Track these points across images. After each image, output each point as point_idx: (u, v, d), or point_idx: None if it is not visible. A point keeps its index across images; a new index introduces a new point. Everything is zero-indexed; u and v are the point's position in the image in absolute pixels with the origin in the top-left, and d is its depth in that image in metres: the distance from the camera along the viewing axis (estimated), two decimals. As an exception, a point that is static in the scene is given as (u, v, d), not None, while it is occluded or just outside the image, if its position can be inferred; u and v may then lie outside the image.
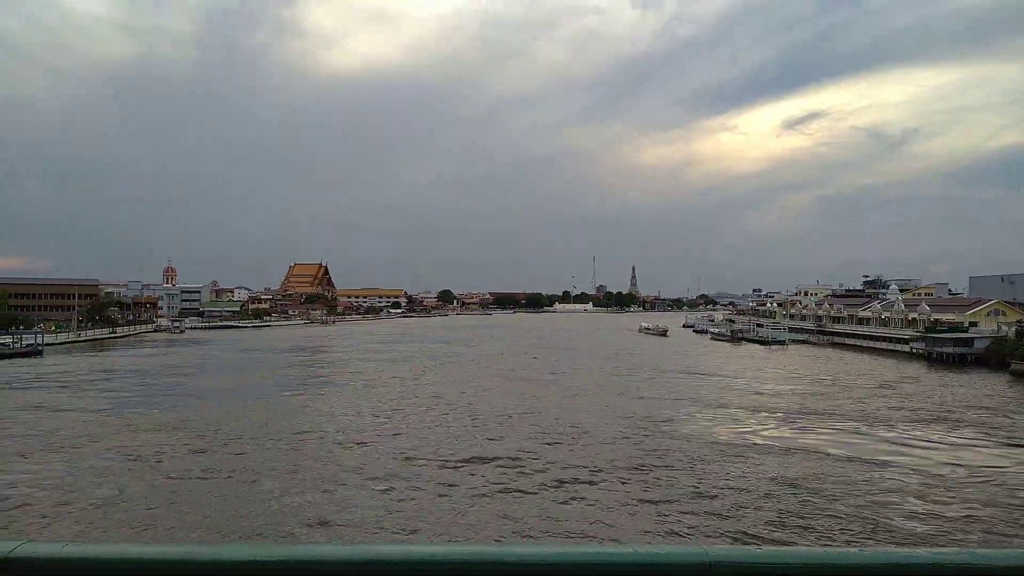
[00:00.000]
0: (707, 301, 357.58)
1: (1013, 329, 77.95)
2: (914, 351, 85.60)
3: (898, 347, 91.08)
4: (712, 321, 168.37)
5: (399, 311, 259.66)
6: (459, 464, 29.60)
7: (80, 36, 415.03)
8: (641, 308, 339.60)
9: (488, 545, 1.75)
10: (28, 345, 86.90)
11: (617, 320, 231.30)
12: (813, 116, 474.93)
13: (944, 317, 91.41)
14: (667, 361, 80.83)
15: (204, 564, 1.69)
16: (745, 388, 56.05)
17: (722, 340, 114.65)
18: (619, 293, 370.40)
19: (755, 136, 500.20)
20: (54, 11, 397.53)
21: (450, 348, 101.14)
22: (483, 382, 59.44)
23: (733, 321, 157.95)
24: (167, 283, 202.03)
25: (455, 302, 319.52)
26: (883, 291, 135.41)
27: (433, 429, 37.70)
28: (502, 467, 29.17)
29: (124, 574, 1.75)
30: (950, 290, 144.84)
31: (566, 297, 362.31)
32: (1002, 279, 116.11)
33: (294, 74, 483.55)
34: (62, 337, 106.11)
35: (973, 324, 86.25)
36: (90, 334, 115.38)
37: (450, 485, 26.26)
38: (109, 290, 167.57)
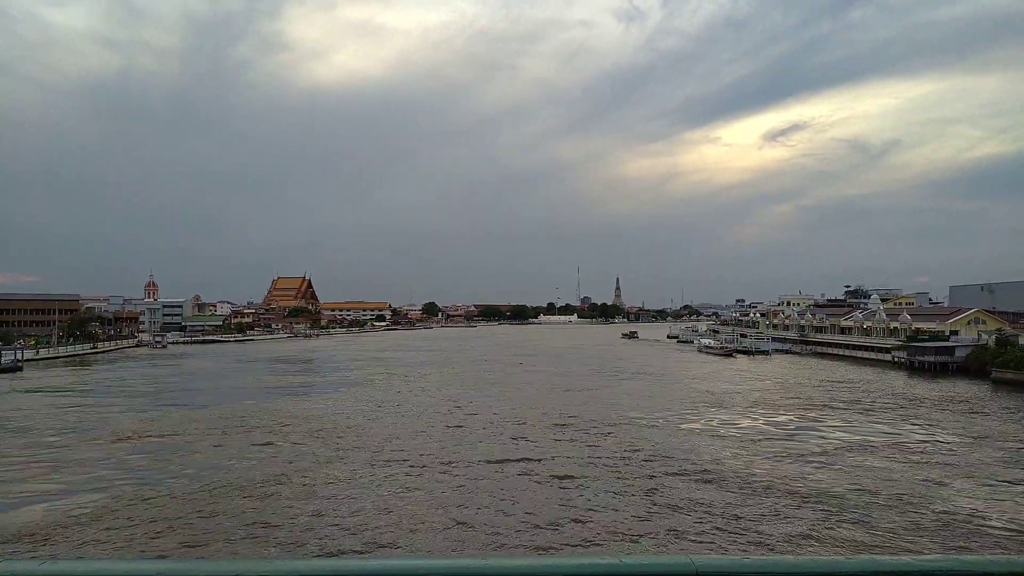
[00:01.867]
0: (691, 312, 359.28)
1: (993, 337, 78.79)
2: (896, 360, 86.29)
3: (880, 356, 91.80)
4: (696, 332, 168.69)
5: (384, 324, 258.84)
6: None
7: (60, 50, 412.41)
8: (625, 319, 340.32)
9: (472, 557, 1.76)
10: (8, 361, 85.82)
11: (602, 331, 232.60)
12: (795, 127, 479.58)
13: (925, 326, 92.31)
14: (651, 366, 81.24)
15: None
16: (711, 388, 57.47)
17: (712, 354, 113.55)
18: (603, 304, 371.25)
19: (738, 148, 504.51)
20: (34, 25, 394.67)
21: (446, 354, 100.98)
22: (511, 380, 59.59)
23: (717, 331, 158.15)
24: (149, 298, 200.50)
25: (440, 315, 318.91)
26: (864, 301, 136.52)
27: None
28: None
29: None
30: (931, 299, 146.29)
31: (551, 309, 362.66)
32: (982, 288, 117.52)
33: (278, 87, 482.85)
34: (43, 353, 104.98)
35: (954, 333, 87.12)
36: (71, 350, 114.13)
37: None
38: (90, 305, 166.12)
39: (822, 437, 39.88)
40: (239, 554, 20.83)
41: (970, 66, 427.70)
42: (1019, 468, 32.18)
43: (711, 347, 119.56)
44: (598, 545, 21.99)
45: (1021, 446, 37.58)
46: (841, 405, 53.07)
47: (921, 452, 35.91)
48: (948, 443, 38.37)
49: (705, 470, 31.21)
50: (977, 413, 49.35)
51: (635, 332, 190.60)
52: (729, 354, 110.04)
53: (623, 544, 21.89)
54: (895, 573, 1.70)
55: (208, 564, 1.71)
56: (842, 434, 40.84)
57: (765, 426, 44.00)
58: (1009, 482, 29.55)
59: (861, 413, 49.25)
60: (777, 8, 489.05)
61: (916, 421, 45.78)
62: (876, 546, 21.96)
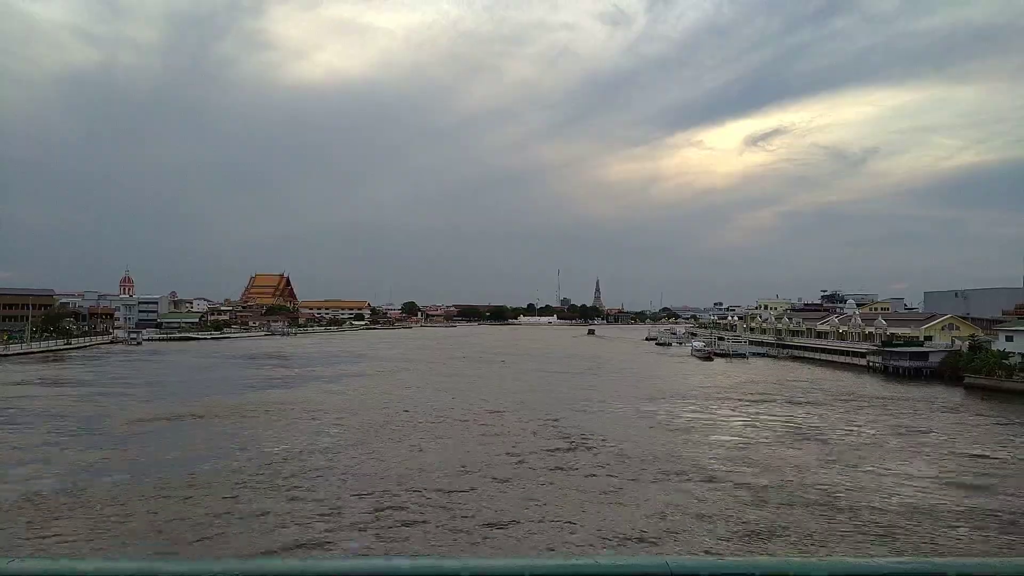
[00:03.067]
0: (670, 314, 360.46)
1: (966, 343, 79.84)
2: (871, 364, 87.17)
3: (855, 360, 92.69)
4: (675, 334, 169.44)
5: (362, 323, 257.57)
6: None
7: (41, 44, 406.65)
8: (605, 321, 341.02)
9: (449, 558, 1.77)
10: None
11: (580, 332, 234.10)
12: (776, 133, 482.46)
13: (900, 331, 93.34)
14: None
15: None
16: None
17: (696, 357, 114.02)
18: (583, 306, 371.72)
19: (720, 152, 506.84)
20: (13, 18, 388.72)
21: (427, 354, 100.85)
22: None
23: (695, 334, 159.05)
24: (124, 294, 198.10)
25: (419, 314, 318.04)
26: (841, 305, 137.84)
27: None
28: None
29: None
30: (906, 305, 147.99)
31: (530, 310, 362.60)
32: (956, 295, 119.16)
33: (261, 86, 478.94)
34: (14, 348, 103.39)
35: (928, 338, 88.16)
36: (44, 345, 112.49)
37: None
38: (64, 300, 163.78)
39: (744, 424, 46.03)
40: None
41: (948, 76, 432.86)
42: (905, 458, 35.67)
43: (698, 350, 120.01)
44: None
45: (927, 440, 41.23)
46: (789, 401, 57.94)
47: (832, 441, 40.16)
48: (866, 434, 42.63)
49: (604, 439, 38.88)
50: (913, 412, 52.69)
51: (593, 330, 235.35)
52: (708, 357, 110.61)
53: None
54: None
55: (186, 564, 1.69)
56: (768, 421, 47.04)
57: (698, 414, 49.76)
58: (883, 470, 32.81)
59: (796, 405, 54.86)
60: (760, 15, 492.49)
61: (846, 415, 50.03)
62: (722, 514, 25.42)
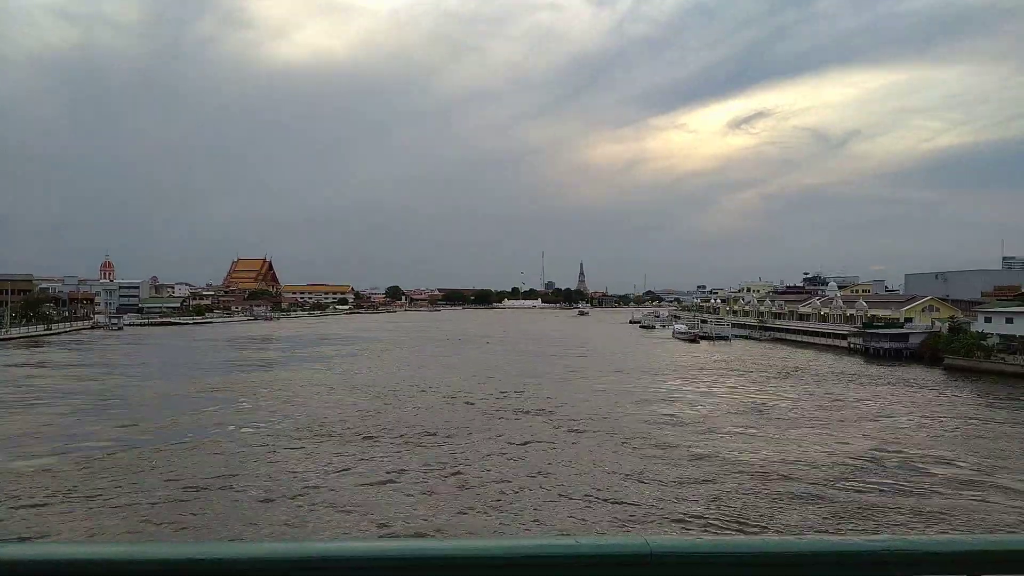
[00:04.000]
0: (653, 297, 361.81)
1: (946, 325, 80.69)
2: (852, 346, 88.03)
3: (836, 342, 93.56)
4: (659, 317, 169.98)
5: (346, 308, 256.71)
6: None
7: (15, 23, 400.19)
8: (589, 304, 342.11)
9: (430, 540, 1.79)
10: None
11: (565, 315, 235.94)
12: (758, 115, 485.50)
13: (881, 313, 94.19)
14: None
15: (148, 562, 1.61)
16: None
17: (680, 339, 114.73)
18: (567, 289, 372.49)
19: (704, 135, 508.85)
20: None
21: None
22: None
23: (678, 317, 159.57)
24: (105, 279, 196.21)
25: (404, 298, 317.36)
26: (822, 288, 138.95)
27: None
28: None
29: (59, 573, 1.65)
30: (887, 287, 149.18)
31: (515, 293, 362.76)
32: (936, 276, 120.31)
33: (240, 66, 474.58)
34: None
35: (908, 320, 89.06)
36: (23, 331, 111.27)
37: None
38: (44, 286, 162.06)
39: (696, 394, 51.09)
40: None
41: (930, 59, 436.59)
42: (828, 424, 39.65)
43: (681, 332, 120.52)
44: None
45: (858, 410, 44.75)
46: (755, 377, 62.41)
47: (767, 412, 43.86)
48: (801, 406, 46.23)
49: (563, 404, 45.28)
50: (864, 385, 57.40)
51: (586, 312, 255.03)
52: (693, 339, 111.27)
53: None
54: (846, 553, 1.74)
55: (191, 547, 1.65)
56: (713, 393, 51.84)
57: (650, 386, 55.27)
58: (788, 434, 36.54)
59: (755, 383, 58.06)
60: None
61: (800, 390, 53.99)
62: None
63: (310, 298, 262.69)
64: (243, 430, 36.27)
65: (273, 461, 29.85)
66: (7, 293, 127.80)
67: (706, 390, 53.19)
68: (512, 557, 1.69)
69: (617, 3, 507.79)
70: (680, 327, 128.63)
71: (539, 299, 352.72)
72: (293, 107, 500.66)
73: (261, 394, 49.20)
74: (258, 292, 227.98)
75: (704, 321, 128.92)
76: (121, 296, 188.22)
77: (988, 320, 72.99)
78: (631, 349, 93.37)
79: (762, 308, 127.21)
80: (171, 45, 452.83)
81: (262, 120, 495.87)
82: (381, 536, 20.72)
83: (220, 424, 38.02)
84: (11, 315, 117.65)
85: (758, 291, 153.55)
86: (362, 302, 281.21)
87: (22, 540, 20.52)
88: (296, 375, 61.65)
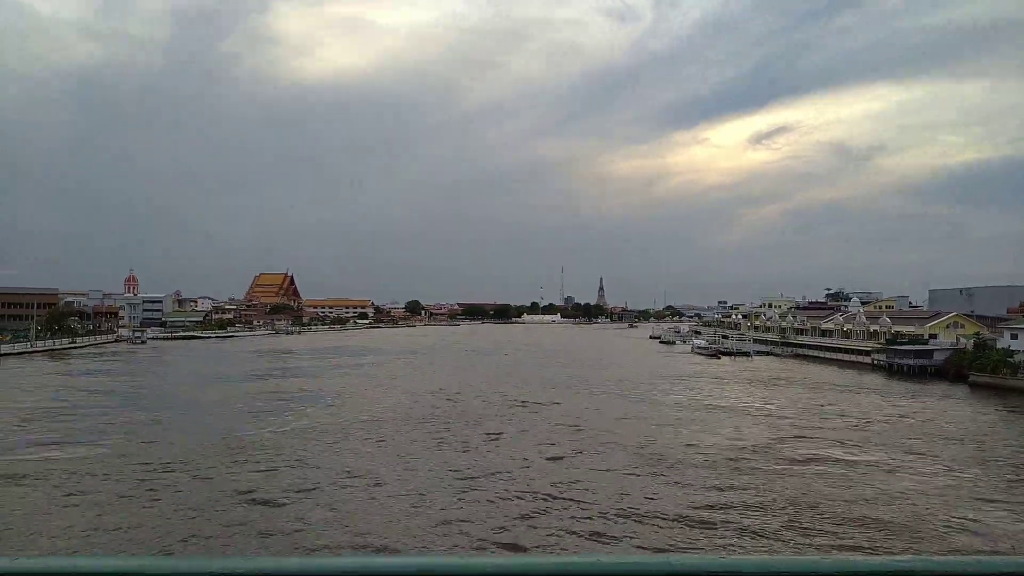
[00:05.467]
0: (673, 312, 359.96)
1: (971, 341, 79.47)
2: (875, 363, 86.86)
3: (860, 359, 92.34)
4: (679, 332, 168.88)
5: (366, 322, 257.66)
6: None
7: (44, 40, 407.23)
8: (608, 319, 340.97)
9: (447, 555, 1.79)
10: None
11: (585, 331, 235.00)
12: (780, 130, 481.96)
13: (905, 329, 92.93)
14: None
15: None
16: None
17: (702, 355, 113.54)
18: (587, 304, 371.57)
19: (725, 149, 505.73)
20: (14, 12, 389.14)
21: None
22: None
23: (699, 332, 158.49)
24: (129, 292, 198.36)
25: (423, 313, 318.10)
26: (845, 304, 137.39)
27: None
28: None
29: None
30: (911, 303, 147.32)
31: (534, 308, 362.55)
32: (961, 292, 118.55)
33: (265, 83, 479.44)
34: (19, 347, 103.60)
35: (933, 336, 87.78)
36: (48, 344, 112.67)
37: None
38: (69, 299, 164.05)
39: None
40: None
41: (954, 73, 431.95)
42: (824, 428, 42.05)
43: (702, 348, 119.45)
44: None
45: (856, 420, 45.87)
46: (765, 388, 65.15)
47: (766, 416, 46.64)
48: (799, 415, 47.71)
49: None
50: (869, 393, 60.99)
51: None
52: (715, 355, 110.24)
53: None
54: (871, 573, 1.70)
55: (192, 562, 1.65)
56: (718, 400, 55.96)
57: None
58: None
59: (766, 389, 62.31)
60: (766, 12, 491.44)
61: (804, 401, 55.96)
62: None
63: (331, 312, 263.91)
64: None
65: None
66: (33, 307, 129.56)
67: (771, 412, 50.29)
68: (534, 575, 1.68)
69: (638, 19, 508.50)
70: (700, 342, 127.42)
71: (558, 314, 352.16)
72: (316, 125, 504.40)
73: (347, 400, 55.15)
74: (280, 306, 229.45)
75: (725, 337, 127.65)
76: (145, 310, 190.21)
77: (1015, 337, 71.72)
78: (660, 367, 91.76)
79: (784, 324, 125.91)
80: (197, 63, 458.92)
81: (287, 139, 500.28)
82: (394, 553, 20.67)
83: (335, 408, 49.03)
84: (37, 328, 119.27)
85: (780, 307, 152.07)
86: (382, 316, 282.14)
87: (17, 554, 20.68)
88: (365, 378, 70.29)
